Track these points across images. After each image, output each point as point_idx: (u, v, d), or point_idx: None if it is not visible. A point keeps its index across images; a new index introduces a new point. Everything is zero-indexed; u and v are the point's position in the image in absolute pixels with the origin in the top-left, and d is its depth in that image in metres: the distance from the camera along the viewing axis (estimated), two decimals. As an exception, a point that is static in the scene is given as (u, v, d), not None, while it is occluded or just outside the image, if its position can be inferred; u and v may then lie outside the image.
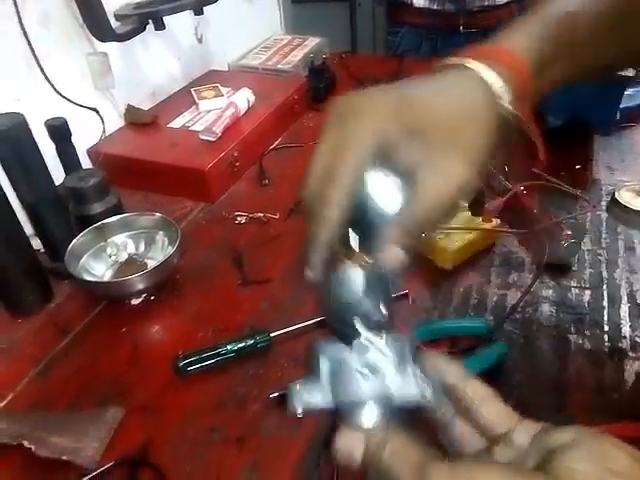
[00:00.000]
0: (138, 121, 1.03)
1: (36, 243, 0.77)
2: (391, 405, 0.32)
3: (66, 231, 0.76)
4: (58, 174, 0.78)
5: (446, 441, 0.33)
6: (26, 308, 0.73)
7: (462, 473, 0.26)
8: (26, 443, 0.54)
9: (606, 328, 0.65)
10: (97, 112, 0.97)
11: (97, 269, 0.77)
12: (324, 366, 0.32)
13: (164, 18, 0.95)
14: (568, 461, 0.26)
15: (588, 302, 0.69)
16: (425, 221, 0.34)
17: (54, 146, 0.79)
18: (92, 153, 0.97)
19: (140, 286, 0.71)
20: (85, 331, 0.71)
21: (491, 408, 0.32)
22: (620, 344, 0.63)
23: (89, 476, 0.53)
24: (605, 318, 0.66)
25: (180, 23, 1.11)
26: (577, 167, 0.93)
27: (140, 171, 0.95)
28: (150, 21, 0.95)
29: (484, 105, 0.35)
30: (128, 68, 1.04)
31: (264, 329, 0.65)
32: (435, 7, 1.40)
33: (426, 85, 0.35)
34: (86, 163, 0.95)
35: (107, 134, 1.00)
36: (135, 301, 0.73)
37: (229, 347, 0.63)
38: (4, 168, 0.70)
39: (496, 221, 0.76)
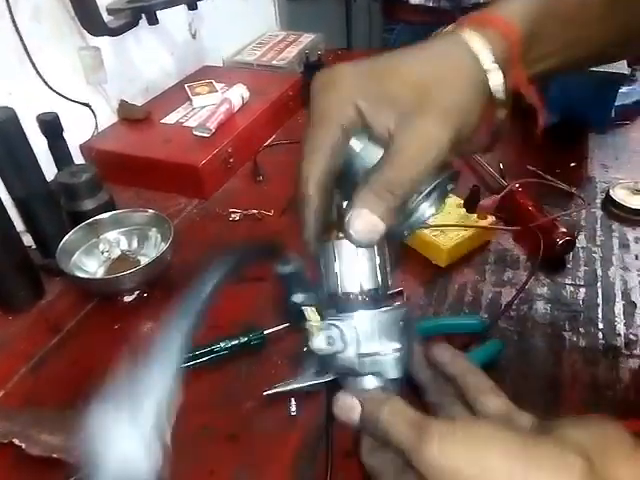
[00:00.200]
0: (131, 117, 1.02)
1: (27, 239, 0.76)
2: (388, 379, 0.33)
3: (58, 227, 0.75)
4: (50, 170, 0.78)
5: None
6: (17, 305, 0.72)
7: (460, 426, 0.28)
8: (17, 441, 0.54)
9: (600, 326, 0.65)
10: (89, 107, 0.97)
11: (89, 266, 0.76)
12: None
13: (157, 13, 0.94)
14: (564, 428, 0.28)
15: (583, 300, 0.69)
16: (397, 183, 0.31)
17: (46, 141, 0.78)
18: (84, 149, 0.96)
19: (133, 283, 0.70)
20: (77, 328, 0.70)
21: (491, 400, 0.33)
22: (614, 342, 0.63)
23: (80, 474, 0.53)
24: (599, 316, 0.66)
25: (174, 18, 1.10)
26: (572, 165, 0.93)
27: (133, 167, 0.94)
28: (143, 15, 0.94)
29: (466, 70, 0.33)
30: (121, 63, 1.03)
31: (258, 327, 0.64)
32: (431, 4, 1.40)
33: (404, 54, 0.34)
34: (78, 159, 0.94)
35: (100, 130, 0.99)
36: (128, 298, 0.73)
37: (222, 344, 0.62)
38: (-6, 163, 0.70)
39: (491, 218, 0.76)
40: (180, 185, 0.92)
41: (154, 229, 0.79)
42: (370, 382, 0.33)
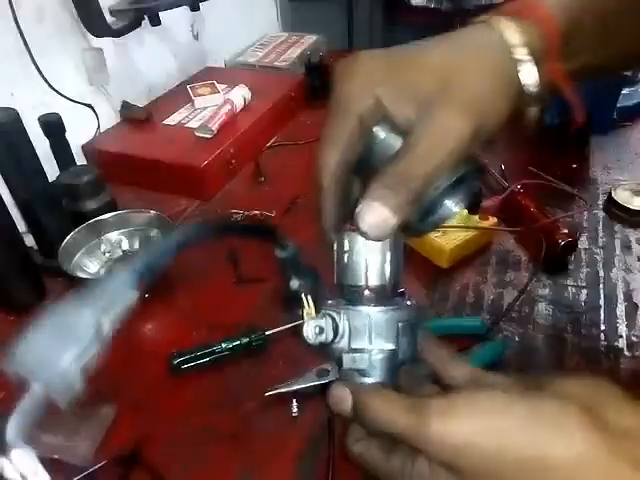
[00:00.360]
0: (133, 118, 1.02)
1: (29, 240, 0.76)
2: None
3: (60, 228, 0.75)
4: (52, 170, 0.78)
5: None
6: (19, 306, 0.72)
7: (459, 397, 0.28)
8: (17, 442, 0.54)
9: (602, 327, 0.65)
10: (92, 108, 0.97)
11: (91, 266, 0.76)
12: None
13: (160, 14, 0.95)
14: (556, 384, 0.28)
15: (584, 301, 0.68)
16: (412, 176, 0.30)
17: (48, 142, 0.78)
18: (87, 149, 0.96)
19: (134, 284, 0.70)
20: (78, 329, 0.70)
21: (459, 370, 0.33)
22: (616, 343, 0.63)
23: (81, 475, 0.52)
24: (601, 317, 0.66)
25: (176, 19, 1.10)
26: (574, 166, 0.93)
27: (135, 168, 0.94)
28: (146, 17, 0.95)
29: (492, 59, 0.31)
30: (123, 64, 1.04)
31: (260, 327, 0.64)
32: (432, 6, 1.40)
33: (428, 42, 0.33)
34: (80, 159, 0.94)
35: (102, 130, 1.00)
36: (129, 299, 0.73)
37: (224, 345, 0.62)
38: (-3, 164, 0.70)
39: (493, 219, 0.76)
40: (182, 186, 0.92)
41: (156, 230, 0.79)
42: (367, 380, 0.33)
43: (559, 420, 0.26)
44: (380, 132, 0.33)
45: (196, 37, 1.22)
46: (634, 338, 0.63)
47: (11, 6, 0.79)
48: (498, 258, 0.76)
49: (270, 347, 0.64)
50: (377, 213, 0.29)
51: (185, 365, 0.61)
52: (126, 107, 1.03)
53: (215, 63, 1.28)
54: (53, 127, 0.77)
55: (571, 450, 0.25)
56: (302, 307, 0.33)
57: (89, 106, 0.96)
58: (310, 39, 1.37)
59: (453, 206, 0.34)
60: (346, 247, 0.33)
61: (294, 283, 0.34)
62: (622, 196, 0.82)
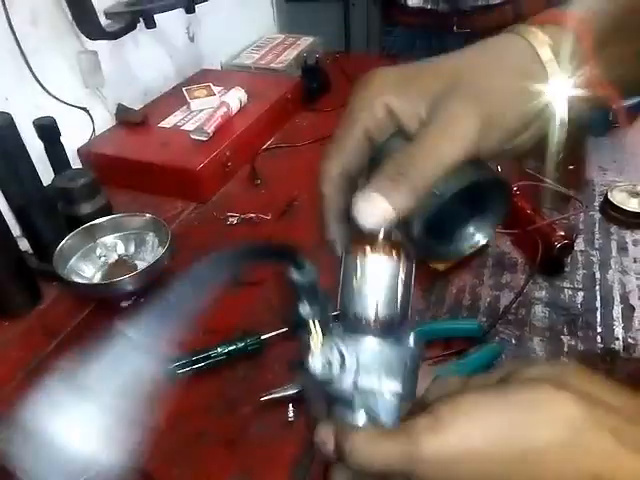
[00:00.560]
0: (129, 120, 1.02)
1: (24, 244, 0.76)
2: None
3: (55, 232, 0.75)
4: (47, 174, 0.77)
5: None
6: (13, 310, 0.72)
7: (443, 410, 0.27)
8: (12, 448, 0.54)
9: (599, 329, 0.65)
10: (87, 111, 0.96)
11: (86, 270, 0.76)
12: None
13: (155, 16, 0.94)
14: (523, 373, 0.29)
15: (581, 303, 0.68)
16: (414, 166, 0.29)
17: (43, 146, 0.78)
18: (82, 153, 0.96)
19: (130, 288, 0.70)
20: (74, 334, 0.70)
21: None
22: (613, 345, 0.63)
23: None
24: (598, 319, 0.66)
25: (171, 21, 1.10)
26: (570, 168, 0.93)
27: (131, 171, 0.94)
28: (141, 19, 0.94)
29: (509, 59, 0.31)
30: (118, 67, 1.03)
31: (255, 331, 0.64)
32: (429, 7, 1.40)
33: (452, 53, 0.32)
34: (76, 163, 0.94)
35: (97, 134, 0.99)
36: (125, 303, 0.72)
37: (220, 349, 0.62)
38: (-9, 168, 0.69)
39: (489, 222, 0.76)
40: (178, 189, 0.92)
41: (151, 233, 0.78)
42: (361, 417, 0.30)
43: (537, 402, 0.26)
44: (395, 141, 0.32)
45: (192, 39, 1.22)
46: (630, 340, 0.63)
47: (5, 9, 0.79)
48: (494, 260, 0.76)
49: (266, 351, 0.64)
50: (375, 204, 0.28)
51: (181, 370, 0.61)
52: (121, 110, 1.03)
53: (211, 65, 1.28)
54: (48, 131, 0.77)
55: (556, 429, 0.25)
56: (309, 333, 0.31)
57: (84, 109, 0.96)
58: (307, 41, 1.37)
59: (481, 238, 0.32)
60: (357, 271, 0.30)
61: (304, 309, 0.31)
62: (618, 197, 0.82)
